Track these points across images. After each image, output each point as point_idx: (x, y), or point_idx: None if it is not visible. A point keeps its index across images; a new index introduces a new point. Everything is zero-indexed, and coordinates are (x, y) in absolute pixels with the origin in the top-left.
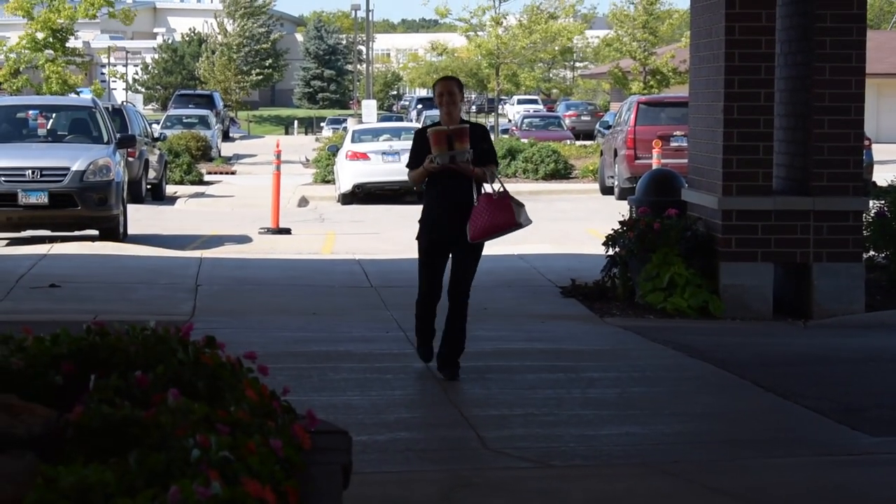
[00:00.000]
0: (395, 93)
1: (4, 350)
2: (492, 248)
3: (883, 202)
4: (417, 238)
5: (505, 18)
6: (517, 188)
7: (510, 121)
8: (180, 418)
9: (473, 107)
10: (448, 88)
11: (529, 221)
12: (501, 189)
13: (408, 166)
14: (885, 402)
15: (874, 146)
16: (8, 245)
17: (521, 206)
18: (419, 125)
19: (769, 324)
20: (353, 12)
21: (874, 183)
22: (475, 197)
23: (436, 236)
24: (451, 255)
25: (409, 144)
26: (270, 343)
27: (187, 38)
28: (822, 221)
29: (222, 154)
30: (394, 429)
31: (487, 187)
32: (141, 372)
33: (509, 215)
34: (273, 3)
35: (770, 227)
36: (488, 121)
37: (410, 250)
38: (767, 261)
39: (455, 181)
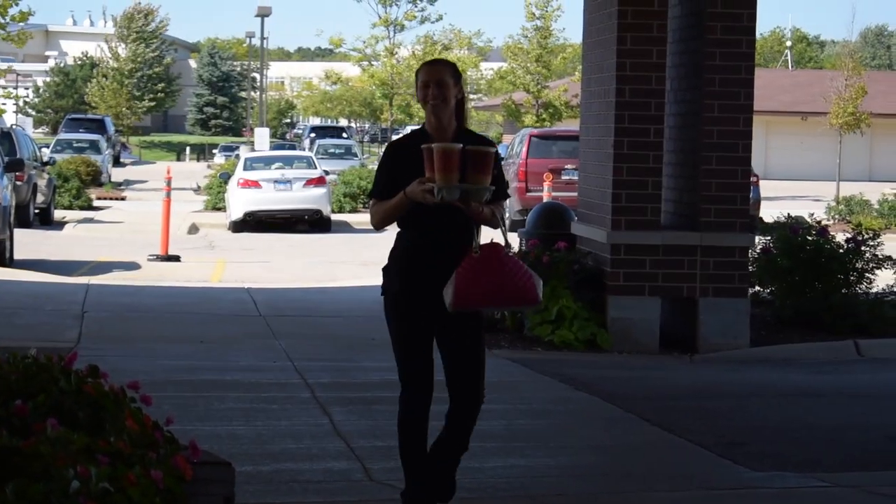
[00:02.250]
0: (288, 121)
1: None
2: (374, 277)
3: (769, 238)
4: (384, 295)
5: (398, 49)
6: None
7: None
8: (60, 448)
9: (367, 136)
10: (437, 77)
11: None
12: (507, 243)
13: (371, 195)
14: (767, 436)
15: (762, 183)
16: None
17: (539, 278)
18: (311, 154)
19: (656, 357)
20: (248, 39)
21: (761, 219)
22: (474, 242)
23: (421, 295)
24: (439, 326)
25: (301, 173)
26: (156, 371)
27: (79, 62)
28: (709, 257)
29: (113, 179)
30: (279, 459)
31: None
32: (21, 401)
33: (531, 287)
34: (166, 28)
35: (658, 261)
36: (379, 151)
37: (300, 280)
38: (655, 295)
39: (449, 217)
